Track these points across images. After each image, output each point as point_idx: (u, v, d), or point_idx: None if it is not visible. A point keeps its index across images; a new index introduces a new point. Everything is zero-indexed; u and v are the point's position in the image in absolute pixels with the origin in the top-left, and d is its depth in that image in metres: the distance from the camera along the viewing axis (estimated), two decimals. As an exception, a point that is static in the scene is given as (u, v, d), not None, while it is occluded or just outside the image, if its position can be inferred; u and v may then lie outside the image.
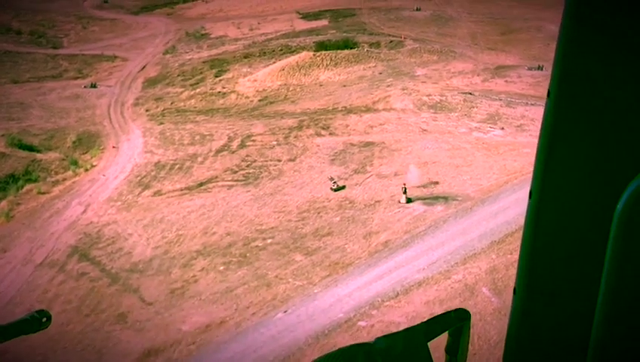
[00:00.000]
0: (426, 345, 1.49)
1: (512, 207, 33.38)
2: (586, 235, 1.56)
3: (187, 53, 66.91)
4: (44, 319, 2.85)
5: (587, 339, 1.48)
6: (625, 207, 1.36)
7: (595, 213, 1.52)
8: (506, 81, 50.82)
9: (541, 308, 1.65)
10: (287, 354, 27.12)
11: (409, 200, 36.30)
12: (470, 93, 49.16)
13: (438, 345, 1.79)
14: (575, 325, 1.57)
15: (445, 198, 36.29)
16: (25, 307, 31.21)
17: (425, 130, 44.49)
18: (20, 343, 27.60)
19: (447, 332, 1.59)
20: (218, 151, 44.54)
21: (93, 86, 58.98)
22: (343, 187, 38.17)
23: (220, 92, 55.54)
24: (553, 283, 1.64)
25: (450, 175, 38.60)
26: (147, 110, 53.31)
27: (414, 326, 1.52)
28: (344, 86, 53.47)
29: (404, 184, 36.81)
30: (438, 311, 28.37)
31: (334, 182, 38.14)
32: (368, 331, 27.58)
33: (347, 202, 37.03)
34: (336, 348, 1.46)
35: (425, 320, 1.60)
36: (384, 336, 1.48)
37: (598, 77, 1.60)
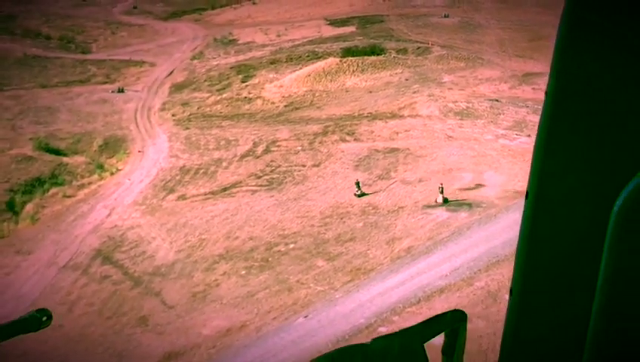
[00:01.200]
0: (422, 346, 1.48)
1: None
2: (582, 236, 1.54)
3: (214, 58, 67.20)
4: (45, 318, 2.84)
5: (584, 340, 1.47)
6: (622, 207, 1.35)
7: (592, 214, 1.51)
8: (533, 89, 50.41)
9: (537, 309, 1.64)
10: (307, 359, 26.99)
11: (446, 201, 36.35)
12: (497, 100, 48.90)
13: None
14: (572, 326, 1.55)
15: (469, 205, 36.10)
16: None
17: (450, 137, 44.32)
18: (42, 345, 27.91)
19: (443, 333, 1.58)
20: (243, 157, 44.64)
21: (121, 91, 59.39)
22: (366, 194, 38.12)
23: (246, 97, 55.71)
24: (550, 284, 1.62)
25: (476, 182, 38.40)
26: (173, 115, 53.56)
27: (410, 328, 1.52)
28: (370, 92, 53.42)
29: (441, 184, 36.75)
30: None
31: (358, 188, 38.08)
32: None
33: (370, 208, 36.96)
34: (336, 349, 1.46)
35: (422, 321, 1.59)
36: (381, 337, 1.48)
37: (596, 77, 1.58)
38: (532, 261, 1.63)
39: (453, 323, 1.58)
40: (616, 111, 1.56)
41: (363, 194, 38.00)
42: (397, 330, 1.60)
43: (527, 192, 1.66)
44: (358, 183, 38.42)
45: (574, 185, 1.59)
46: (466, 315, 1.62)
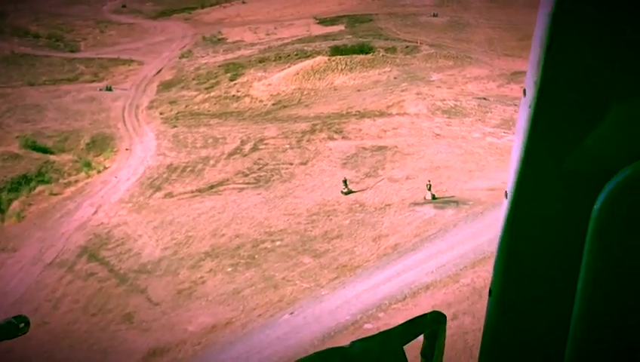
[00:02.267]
0: (401, 348, 1.45)
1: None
2: (562, 235, 1.52)
3: (203, 57, 67.08)
4: (22, 324, 2.77)
5: (564, 339, 1.46)
6: (602, 206, 1.35)
7: (571, 214, 1.49)
8: (522, 87, 50.30)
9: (517, 309, 1.62)
10: (292, 356, 27.00)
11: (434, 198, 36.37)
12: (485, 99, 48.97)
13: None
14: (552, 325, 1.54)
15: (456, 202, 36.10)
16: (32, 306, 31.39)
17: (438, 135, 44.35)
18: (27, 342, 27.84)
19: (422, 335, 1.55)
20: (230, 155, 44.59)
21: (109, 89, 59.27)
22: (353, 191, 38.12)
23: (234, 96, 55.67)
24: (529, 284, 1.60)
25: (462, 179, 38.41)
26: (161, 113, 53.49)
27: (390, 330, 1.49)
28: (358, 90, 53.41)
29: (429, 181, 36.78)
30: (446, 313, 28.43)
31: (345, 185, 38.10)
32: (374, 333, 27.44)
33: (358, 205, 36.95)
34: (314, 352, 1.43)
35: (402, 322, 1.56)
36: (360, 340, 1.46)
37: (577, 75, 1.55)
38: (511, 261, 1.61)
39: (432, 325, 1.55)
40: (596, 110, 1.53)
41: (350, 192, 38.00)
42: (377, 332, 1.58)
43: (505, 192, 1.62)
44: (345, 181, 38.42)
45: (554, 185, 1.56)
46: (445, 317, 1.59)
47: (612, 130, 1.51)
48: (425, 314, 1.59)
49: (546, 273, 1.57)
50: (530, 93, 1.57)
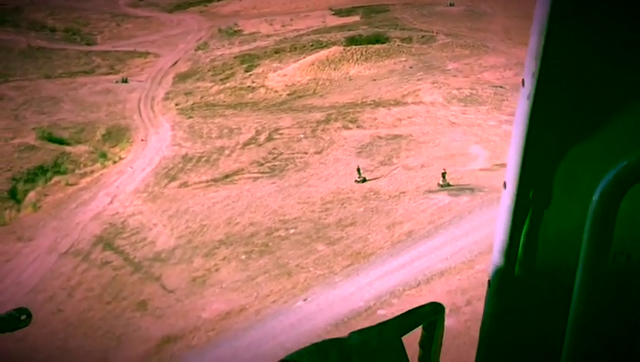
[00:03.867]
0: (399, 339, 1.45)
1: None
2: (561, 227, 1.52)
3: (219, 49, 67.18)
4: (24, 316, 2.76)
5: (562, 327, 1.46)
6: (600, 198, 1.35)
7: (570, 205, 1.49)
8: (538, 75, 50.34)
9: (515, 300, 1.62)
10: (306, 342, 26.89)
11: (449, 185, 36.38)
12: (501, 87, 48.80)
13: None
14: (550, 315, 1.53)
15: (472, 190, 36.01)
16: (47, 294, 31.58)
17: (454, 123, 44.24)
18: (41, 329, 27.98)
19: (421, 326, 1.54)
20: (245, 145, 44.65)
21: (125, 81, 59.45)
22: (367, 180, 38.09)
23: (249, 86, 55.72)
24: (527, 274, 1.60)
25: (477, 166, 38.31)
26: (177, 104, 53.61)
27: (388, 321, 1.49)
28: (374, 80, 53.33)
29: (444, 169, 36.73)
30: (459, 299, 28.34)
31: (359, 174, 38.07)
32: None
33: (372, 193, 36.92)
34: (310, 344, 1.44)
35: (399, 314, 1.56)
36: (358, 331, 1.47)
37: (576, 67, 1.54)
38: (509, 253, 1.62)
39: (431, 315, 1.55)
40: (595, 103, 1.53)
41: (364, 180, 37.96)
42: (375, 323, 1.59)
43: (504, 182, 1.63)
44: (358, 169, 38.38)
45: (553, 176, 1.56)
46: (443, 308, 1.58)
47: (610, 123, 1.50)
48: (423, 305, 1.60)
49: (544, 263, 1.57)
50: (529, 84, 1.59)
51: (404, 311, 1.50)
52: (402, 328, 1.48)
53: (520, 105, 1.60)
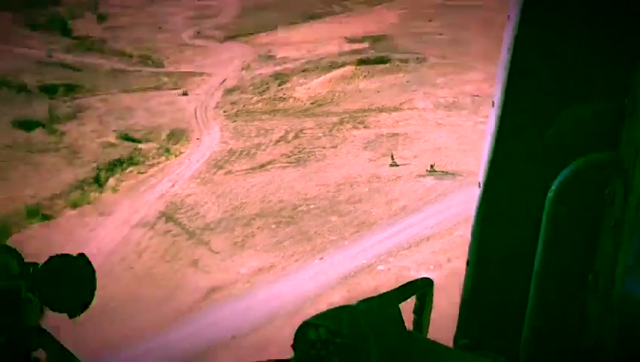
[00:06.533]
0: (397, 306, 1.38)
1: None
2: (524, 219, 1.43)
3: (257, 69, 67.04)
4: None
5: (526, 300, 1.41)
6: (554, 194, 1.30)
7: (531, 200, 1.40)
8: (507, 87, 49.85)
9: (489, 276, 1.55)
10: (321, 292, 27.06)
11: (435, 171, 36.22)
12: (478, 96, 48.32)
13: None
14: (516, 290, 1.45)
15: (453, 175, 35.79)
16: (121, 255, 31.71)
17: (440, 124, 44.01)
18: (117, 282, 28.08)
19: (414, 296, 1.47)
20: (277, 141, 44.59)
21: (185, 94, 59.53)
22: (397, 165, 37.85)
23: (280, 97, 55.65)
24: (498, 257, 1.53)
25: (458, 157, 38.06)
26: (224, 111, 53.62)
27: (388, 292, 1.41)
28: (378, 92, 53.07)
29: (433, 164, 36.56)
30: (442, 258, 28.14)
31: (392, 160, 37.97)
32: (385, 274, 27.37)
33: (375, 178, 36.81)
34: (325, 309, 1.38)
35: (397, 287, 1.47)
36: (364, 300, 1.37)
37: (539, 79, 1.44)
38: (484, 239, 1.54)
39: (422, 288, 1.46)
40: (554, 112, 1.42)
41: (396, 165, 37.63)
42: (378, 294, 1.49)
43: (479, 183, 1.54)
44: (392, 156, 38.10)
45: (518, 175, 1.47)
46: (432, 282, 1.49)
47: (567, 128, 1.41)
48: (416, 280, 1.50)
49: (511, 248, 1.49)
50: (498, 97, 1.49)
51: (401, 284, 1.42)
52: (399, 298, 1.41)
53: (490, 116, 1.51)
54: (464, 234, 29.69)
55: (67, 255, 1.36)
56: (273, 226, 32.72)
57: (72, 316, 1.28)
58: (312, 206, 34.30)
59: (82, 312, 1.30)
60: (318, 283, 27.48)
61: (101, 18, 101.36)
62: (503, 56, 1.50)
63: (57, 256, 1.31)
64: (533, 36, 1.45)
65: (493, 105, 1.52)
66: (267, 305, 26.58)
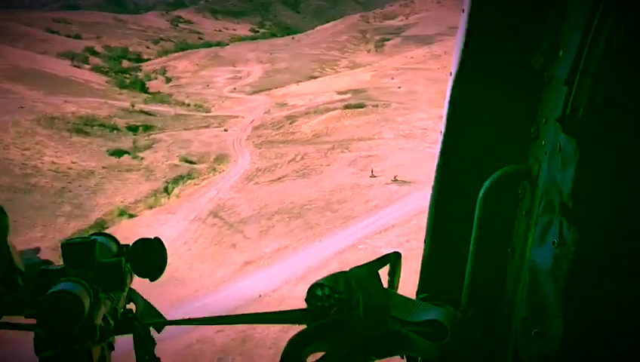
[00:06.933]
0: (377, 272, 1.33)
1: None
2: (466, 214, 1.34)
3: (275, 113, 67.09)
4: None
5: (466, 266, 1.35)
6: (480, 198, 1.23)
7: (470, 199, 1.30)
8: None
9: (441, 252, 1.48)
10: (322, 263, 26.86)
11: (397, 180, 35.94)
12: (425, 129, 48.28)
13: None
14: (460, 257, 1.36)
15: (409, 183, 35.67)
16: (183, 241, 31.46)
17: (400, 148, 43.86)
18: (176, 259, 27.76)
19: (388, 265, 1.42)
20: (289, 162, 44.45)
21: (226, 130, 59.49)
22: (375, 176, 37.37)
23: (291, 132, 55.54)
24: (447, 236, 1.46)
25: (413, 171, 37.95)
26: (253, 142, 53.52)
27: (371, 262, 1.35)
28: (358, 127, 52.97)
29: (396, 176, 36.34)
30: (403, 240, 27.94)
31: (372, 172, 37.65)
32: (364, 250, 27.15)
33: (356, 186, 36.68)
34: (328, 274, 1.32)
35: (376, 258, 1.41)
36: (355, 267, 1.32)
37: (478, 99, 1.33)
38: (436, 224, 1.47)
39: (394, 260, 1.40)
40: (486, 126, 1.33)
41: (374, 176, 37.16)
42: (363, 263, 1.43)
43: (432, 186, 1.49)
44: (372, 170, 37.83)
45: (462, 176, 1.38)
46: (400, 255, 1.42)
47: (494, 139, 1.33)
48: (389, 253, 1.45)
49: (456, 233, 1.41)
50: (444, 122, 1.41)
51: (379, 256, 1.35)
52: (378, 266, 1.36)
53: (440, 140, 1.43)
54: (417, 223, 29.57)
55: (148, 238, 1.42)
56: (287, 220, 32.61)
57: (152, 280, 1.33)
58: (313, 205, 34.20)
59: (159, 277, 1.32)
60: (319, 258, 27.34)
61: (168, 79, 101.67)
62: (448, 93, 1.38)
63: (141, 239, 1.37)
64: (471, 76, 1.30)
65: (441, 134, 1.42)
66: (283, 273, 26.48)
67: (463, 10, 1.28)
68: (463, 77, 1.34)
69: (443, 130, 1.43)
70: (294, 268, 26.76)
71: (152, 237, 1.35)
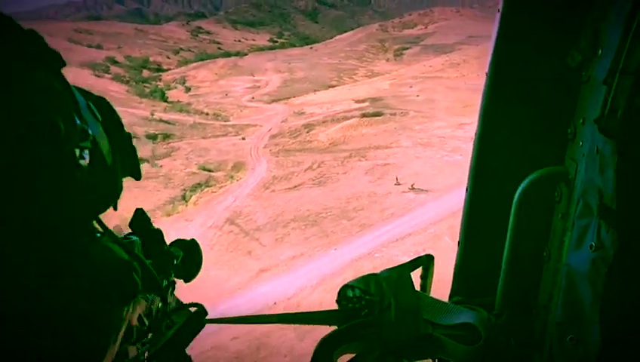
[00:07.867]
0: (409, 274, 1.35)
1: (461, 196, 32.29)
2: (501, 217, 1.34)
3: (293, 122, 67.33)
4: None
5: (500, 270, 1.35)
6: (517, 199, 1.22)
7: (505, 202, 1.30)
8: (464, 130, 49.40)
9: (474, 255, 1.48)
10: (336, 272, 26.76)
11: (414, 189, 35.76)
12: (443, 137, 48.00)
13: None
14: (494, 262, 1.36)
15: (426, 191, 35.43)
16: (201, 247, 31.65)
17: (418, 157, 43.62)
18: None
19: (421, 267, 1.45)
20: (306, 170, 44.49)
21: (243, 139, 59.91)
22: (400, 184, 36.96)
23: (308, 140, 55.67)
24: (483, 240, 1.46)
25: (430, 179, 37.70)
26: (270, 150, 53.76)
27: (403, 264, 1.37)
28: (375, 135, 52.91)
29: (413, 184, 36.12)
30: (419, 248, 27.70)
31: (397, 180, 37.42)
32: (380, 258, 27.00)
33: (373, 194, 36.54)
34: (360, 276, 1.35)
35: (409, 260, 1.46)
36: (387, 269, 1.35)
37: (513, 99, 1.30)
38: (471, 225, 1.46)
39: (426, 261, 1.43)
40: (524, 126, 1.30)
41: (399, 184, 36.92)
42: (396, 265, 1.47)
43: (466, 188, 1.46)
44: (397, 178, 37.56)
45: (497, 179, 1.36)
46: (433, 257, 1.44)
47: (530, 140, 1.31)
48: (422, 256, 1.47)
49: (491, 236, 1.40)
50: (479, 125, 1.39)
51: (412, 258, 1.37)
52: (410, 268, 1.37)
53: (474, 141, 1.40)
54: (434, 231, 29.37)
55: (184, 239, 1.40)
56: (303, 227, 32.60)
57: (187, 281, 1.35)
58: (329, 213, 34.16)
59: (195, 277, 1.33)
60: (334, 266, 27.23)
61: (187, 89, 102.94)
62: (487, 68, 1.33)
63: (178, 239, 1.37)
64: (511, 55, 1.26)
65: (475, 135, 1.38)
66: (299, 280, 26.42)
67: (498, 10, 1.25)
68: (498, 77, 1.31)
69: (477, 132, 1.40)
70: (309, 275, 26.68)
71: (189, 239, 1.36)
